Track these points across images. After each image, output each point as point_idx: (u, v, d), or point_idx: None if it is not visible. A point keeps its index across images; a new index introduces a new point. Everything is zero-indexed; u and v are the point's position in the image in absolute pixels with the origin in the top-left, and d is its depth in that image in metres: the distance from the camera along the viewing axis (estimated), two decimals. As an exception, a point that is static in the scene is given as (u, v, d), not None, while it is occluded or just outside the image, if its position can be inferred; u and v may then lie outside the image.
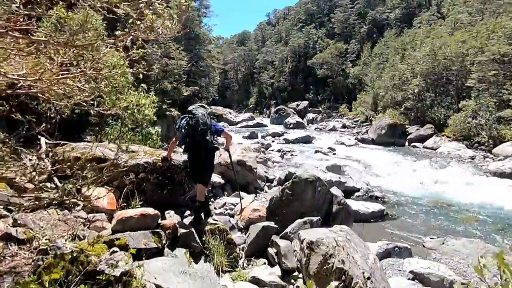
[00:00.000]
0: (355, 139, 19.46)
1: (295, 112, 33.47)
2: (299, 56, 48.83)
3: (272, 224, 3.53)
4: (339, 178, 7.41)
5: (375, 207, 6.24)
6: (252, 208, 4.25)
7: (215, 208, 5.05)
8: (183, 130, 3.40)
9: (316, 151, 14.12)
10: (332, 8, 51.71)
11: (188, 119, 3.50)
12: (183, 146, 3.56)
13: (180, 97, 12.18)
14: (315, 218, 3.98)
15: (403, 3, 41.26)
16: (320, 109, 37.28)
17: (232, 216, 4.78)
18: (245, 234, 4.04)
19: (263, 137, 19.60)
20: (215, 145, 3.57)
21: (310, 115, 33.85)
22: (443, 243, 4.68)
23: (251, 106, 51.07)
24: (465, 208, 6.79)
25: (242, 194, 5.28)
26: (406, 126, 18.83)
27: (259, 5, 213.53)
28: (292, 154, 13.30)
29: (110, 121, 5.92)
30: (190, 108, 3.66)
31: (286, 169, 9.39)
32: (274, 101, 46.67)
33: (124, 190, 3.45)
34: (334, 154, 13.92)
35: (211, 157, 3.65)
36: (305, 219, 3.94)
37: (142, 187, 3.72)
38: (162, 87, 10.17)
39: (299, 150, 14.72)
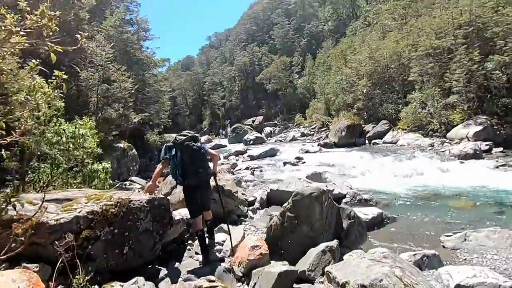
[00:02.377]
0: (318, 145, 19.45)
1: (252, 128, 33.04)
2: (246, 74, 49.43)
3: (288, 266, 2.55)
4: (326, 186, 6.69)
5: (373, 212, 5.59)
6: (250, 246, 3.20)
7: (196, 253, 3.87)
8: (178, 169, 3.29)
9: (285, 163, 13.53)
10: (270, 26, 53.92)
11: (179, 153, 3.31)
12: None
13: (129, 125, 10.57)
14: (334, 244, 3.10)
15: (334, 16, 44.72)
16: (276, 122, 37.56)
17: (222, 260, 3.65)
18: (247, 285, 2.98)
19: (226, 157, 18.50)
20: (210, 172, 3.59)
21: (268, 129, 33.78)
22: (465, 240, 4.14)
23: (205, 129, 49.74)
24: (456, 195, 6.55)
25: (226, 226, 4.16)
26: (363, 125, 19.42)
27: (199, 30, 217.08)
28: (261, 170, 12.48)
29: (36, 164, 4.44)
30: (177, 140, 3.39)
31: (262, 187, 8.47)
32: (229, 121, 46.09)
33: (58, 263, 2.19)
34: (303, 163, 13.44)
35: (209, 184, 3.71)
36: (323, 247, 3.03)
37: (88, 251, 2.45)
38: (106, 115, 8.58)
39: (267, 165, 14.03)
